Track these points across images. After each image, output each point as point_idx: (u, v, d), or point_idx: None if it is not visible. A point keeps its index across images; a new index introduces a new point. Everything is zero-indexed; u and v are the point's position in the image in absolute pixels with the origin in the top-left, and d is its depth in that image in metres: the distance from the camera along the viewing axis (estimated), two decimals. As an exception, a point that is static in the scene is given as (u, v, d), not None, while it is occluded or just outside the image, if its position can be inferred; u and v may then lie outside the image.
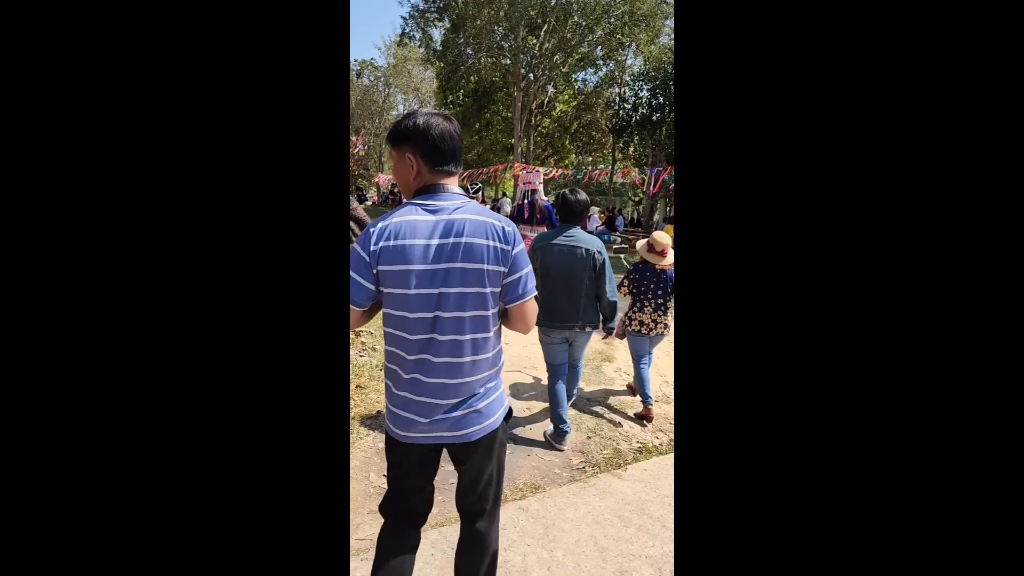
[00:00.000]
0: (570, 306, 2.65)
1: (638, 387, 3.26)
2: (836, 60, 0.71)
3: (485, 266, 1.12)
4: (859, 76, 0.70)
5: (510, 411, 1.32)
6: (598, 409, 3.29)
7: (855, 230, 0.70)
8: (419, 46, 19.13)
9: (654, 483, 2.43)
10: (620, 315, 3.10)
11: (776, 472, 0.72)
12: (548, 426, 2.92)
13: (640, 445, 2.91)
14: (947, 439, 0.66)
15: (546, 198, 6.97)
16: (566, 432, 2.78)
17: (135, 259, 0.70)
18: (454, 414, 1.17)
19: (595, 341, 4.56)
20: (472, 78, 18.86)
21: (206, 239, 0.73)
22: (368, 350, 3.83)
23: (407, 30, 18.14)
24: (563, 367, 2.81)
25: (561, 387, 2.77)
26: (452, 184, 1.18)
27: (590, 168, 14.63)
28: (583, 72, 19.55)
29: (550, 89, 19.53)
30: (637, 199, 22.18)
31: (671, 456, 2.76)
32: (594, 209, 14.12)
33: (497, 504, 1.36)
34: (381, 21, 53.43)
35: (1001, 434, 0.64)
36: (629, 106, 18.15)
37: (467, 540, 1.33)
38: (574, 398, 3.11)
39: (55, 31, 0.67)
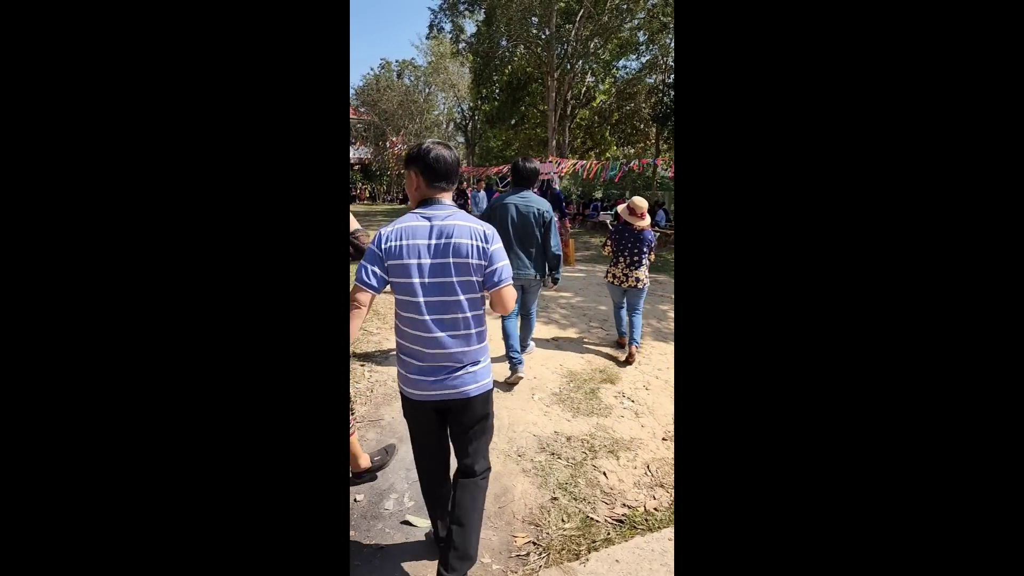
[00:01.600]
0: (524, 257, 3.19)
1: (616, 328, 4.05)
2: (833, 61, 0.70)
3: (470, 260, 1.44)
4: (858, 73, 0.69)
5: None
6: (578, 453, 2.49)
7: (857, 234, 0.69)
8: (450, 39, 18.67)
9: (625, 589, 1.62)
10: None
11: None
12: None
13: (625, 513, 2.08)
14: (970, 496, 0.64)
15: (557, 187, 8.50)
16: (519, 362, 3.26)
17: (129, 251, 0.70)
18: (454, 374, 1.49)
19: (595, 359, 3.78)
20: (506, 70, 18.20)
21: (204, 238, 0.72)
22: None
23: (435, 22, 17.73)
24: (514, 311, 3.23)
25: (511, 324, 3.29)
26: (445, 198, 1.51)
27: (624, 160, 13.45)
28: (624, 59, 18.39)
29: (588, 78, 18.50)
30: (685, 193, 20.69)
31: (666, 532, 1.93)
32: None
33: (485, 453, 1.66)
34: (417, 18, 53.60)
35: (1001, 438, 0.63)
36: (674, 92, 16.91)
37: (460, 488, 1.60)
38: (531, 348, 3.59)
39: (56, 30, 0.66)
